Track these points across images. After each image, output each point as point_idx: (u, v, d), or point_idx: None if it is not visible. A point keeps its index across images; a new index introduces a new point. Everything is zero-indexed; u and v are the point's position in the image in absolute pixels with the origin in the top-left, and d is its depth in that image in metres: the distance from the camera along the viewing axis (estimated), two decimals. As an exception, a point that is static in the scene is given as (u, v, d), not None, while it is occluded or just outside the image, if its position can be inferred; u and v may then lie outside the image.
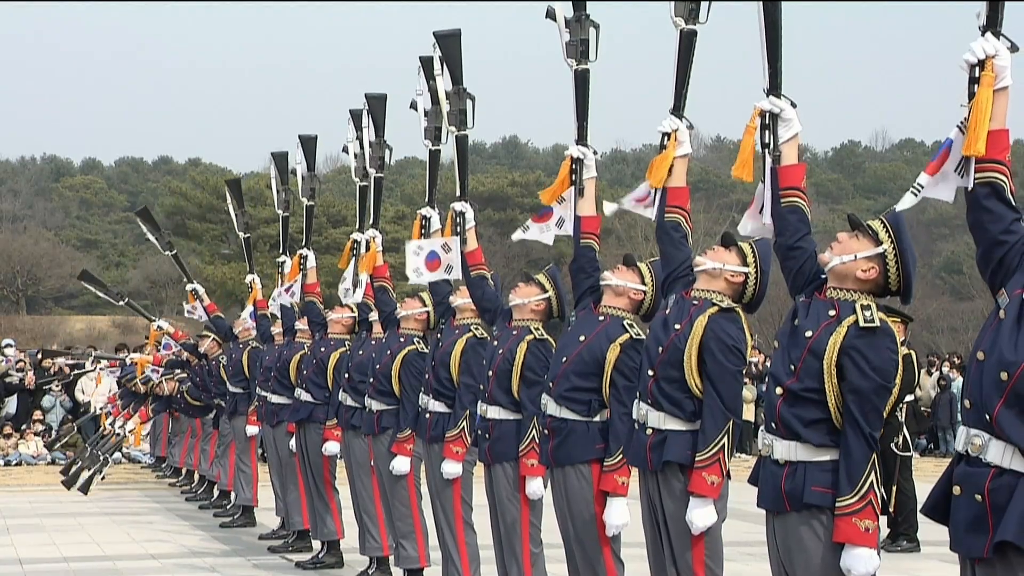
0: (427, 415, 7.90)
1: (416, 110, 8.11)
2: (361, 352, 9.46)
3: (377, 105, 9.24)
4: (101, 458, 14.08)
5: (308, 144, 10.91)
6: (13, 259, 50.21)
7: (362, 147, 9.33)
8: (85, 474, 14.22)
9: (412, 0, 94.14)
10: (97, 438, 15.93)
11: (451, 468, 7.68)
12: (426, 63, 7.79)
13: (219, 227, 49.81)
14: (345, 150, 9.68)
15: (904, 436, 11.60)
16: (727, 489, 5.44)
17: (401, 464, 8.66)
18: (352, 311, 10.27)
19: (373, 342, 9.40)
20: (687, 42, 5.72)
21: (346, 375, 9.54)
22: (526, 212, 52.09)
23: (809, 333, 4.62)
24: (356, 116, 9.37)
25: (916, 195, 4.24)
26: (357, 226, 9.69)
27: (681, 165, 5.79)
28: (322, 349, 10.53)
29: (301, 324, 11.34)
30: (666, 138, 5.77)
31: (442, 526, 7.89)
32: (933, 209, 56.52)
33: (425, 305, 8.81)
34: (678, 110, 5.77)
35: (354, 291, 9.52)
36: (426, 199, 8.36)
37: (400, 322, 8.91)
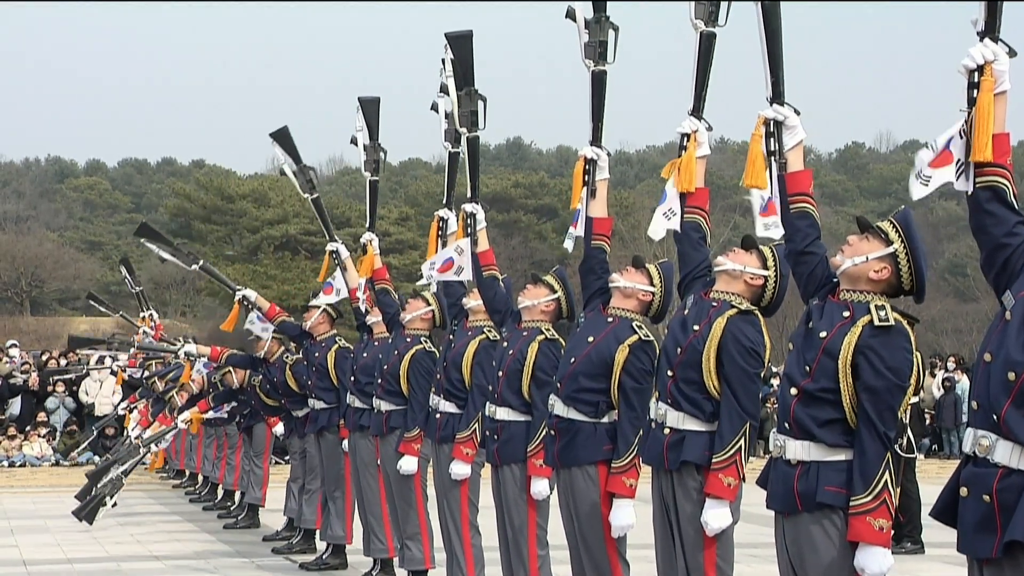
0: (437, 415, 7.91)
1: (437, 112, 8.01)
2: (366, 354, 9.47)
3: (370, 108, 9.10)
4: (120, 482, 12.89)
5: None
6: (17, 260, 50.25)
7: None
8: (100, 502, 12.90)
9: (418, 0, 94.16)
10: (121, 456, 14.40)
11: (460, 469, 7.68)
12: (453, 41, 7.68)
13: (223, 228, 49.84)
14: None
15: (908, 438, 11.59)
16: (741, 490, 5.47)
17: (408, 463, 8.66)
18: (322, 307, 10.34)
19: (376, 343, 9.41)
20: (706, 44, 5.72)
21: (352, 378, 9.57)
22: (529, 213, 52.09)
23: (823, 334, 4.64)
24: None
25: (926, 185, 4.18)
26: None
27: (700, 166, 5.81)
28: (315, 354, 10.56)
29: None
30: (685, 139, 5.78)
31: (448, 527, 7.88)
32: (942, 210, 56.50)
33: (429, 304, 8.82)
34: (697, 111, 5.77)
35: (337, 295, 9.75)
36: (444, 201, 8.32)
37: (406, 324, 8.92)
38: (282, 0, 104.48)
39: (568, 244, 6.52)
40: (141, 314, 16.83)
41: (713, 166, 34.43)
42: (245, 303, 10.92)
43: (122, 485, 11.69)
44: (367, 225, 9.36)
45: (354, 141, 9.27)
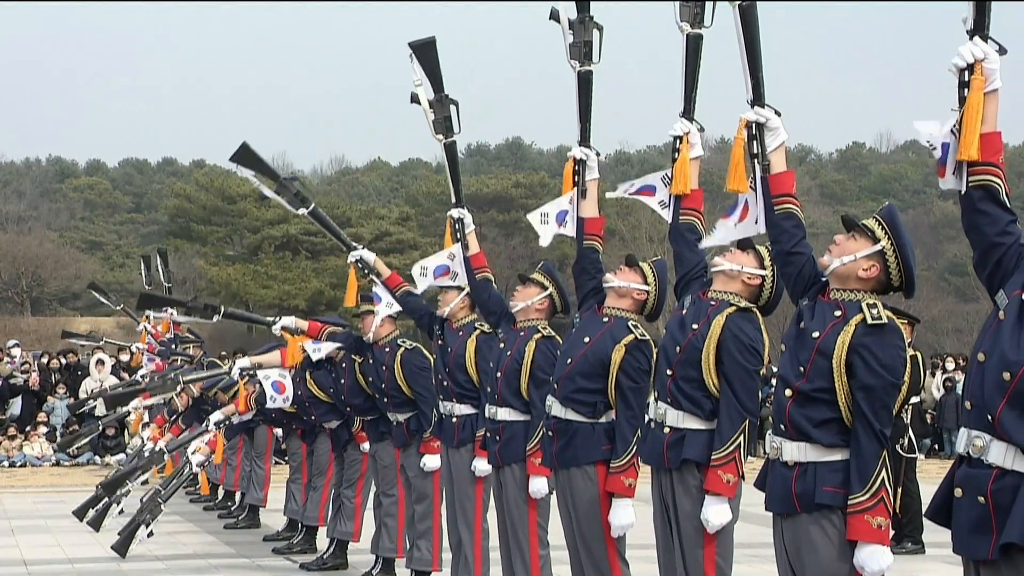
0: (453, 419, 7.86)
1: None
2: (343, 380, 9.73)
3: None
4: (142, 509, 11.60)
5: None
6: (18, 260, 50.21)
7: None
8: (114, 514, 11.89)
9: (418, 0, 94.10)
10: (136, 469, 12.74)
11: (484, 466, 7.65)
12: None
13: (224, 229, 49.78)
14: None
15: (909, 438, 11.62)
16: (741, 488, 5.49)
17: (432, 460, 8.65)
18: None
19: (344, 365, 9.67)
20: (693, 46, 5.75)
21: (347, 407, 9.84)
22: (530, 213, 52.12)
23: (816, 334, 4.65)
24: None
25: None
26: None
27: (694, 167, 5.83)
28: (299, 392, 10.75)
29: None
30: (678, 141, 5.80)
31: (460, 526, 7.85)
32: (939, 211, 56.49)
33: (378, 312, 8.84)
34: (688, 113, 5.80)
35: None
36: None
37: (375, 339, 9.04)
38: (282, 0, 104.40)
39: (546, 238, 6.45)
40: (148, 313, 16.73)
41: (715, 167, 34.40)
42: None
43: (161, 511, 11.62)
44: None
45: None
